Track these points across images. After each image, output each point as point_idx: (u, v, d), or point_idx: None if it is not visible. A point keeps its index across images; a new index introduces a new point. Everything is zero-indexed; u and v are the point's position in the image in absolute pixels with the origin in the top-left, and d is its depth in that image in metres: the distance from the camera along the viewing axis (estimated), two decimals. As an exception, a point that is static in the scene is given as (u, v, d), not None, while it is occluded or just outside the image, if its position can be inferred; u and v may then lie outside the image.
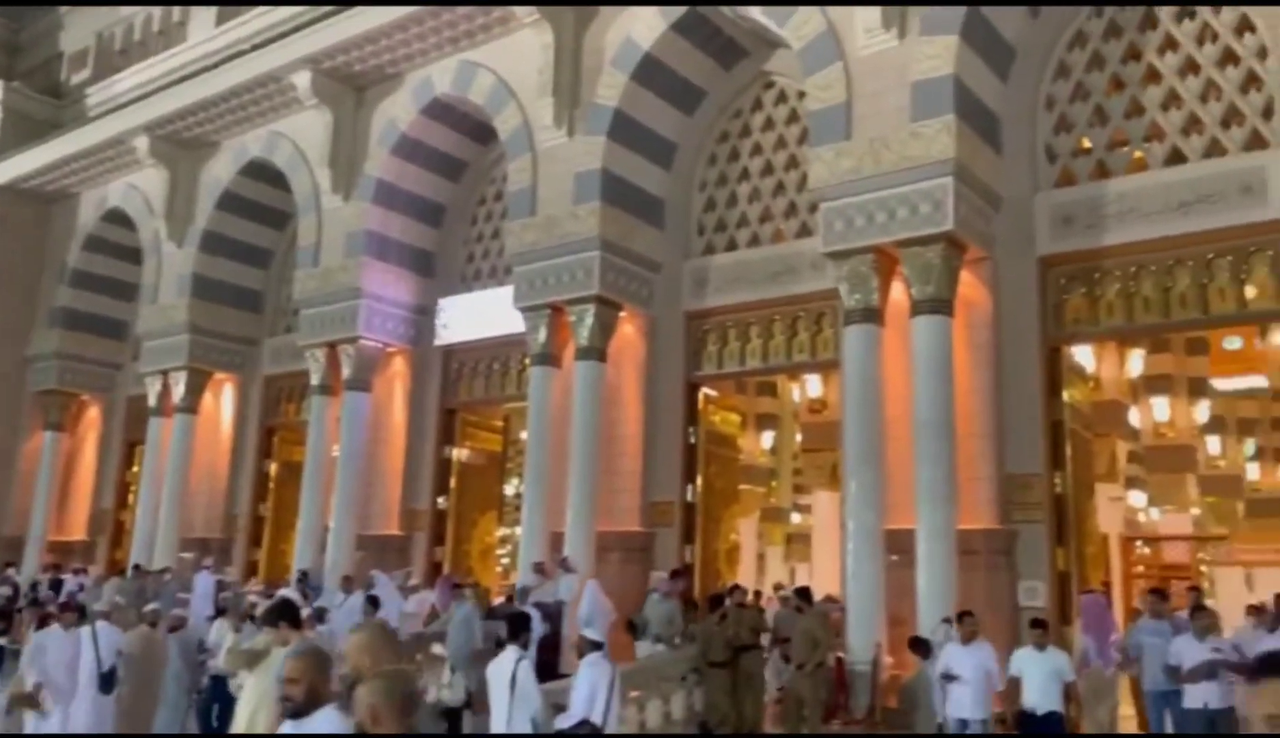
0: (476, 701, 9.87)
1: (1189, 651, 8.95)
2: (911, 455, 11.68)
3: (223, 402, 21.85)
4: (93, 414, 24.63)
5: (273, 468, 21.56)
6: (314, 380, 18.76)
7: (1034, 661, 8.95)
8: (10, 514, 23.84)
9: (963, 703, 9.03)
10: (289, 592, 13.08)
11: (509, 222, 16.18)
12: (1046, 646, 9.00)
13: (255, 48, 19.20)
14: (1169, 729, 9.19)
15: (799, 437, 21.42)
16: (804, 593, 11.22)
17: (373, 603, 12.14)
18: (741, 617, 10.97)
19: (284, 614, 6.29)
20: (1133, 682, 11.15)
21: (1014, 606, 11.56)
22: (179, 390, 20.84)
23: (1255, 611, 10.71)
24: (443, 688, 10.80)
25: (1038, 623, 9.39)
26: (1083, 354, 14.72)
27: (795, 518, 24.49)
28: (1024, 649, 9.20)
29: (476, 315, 18.06)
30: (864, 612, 11.66)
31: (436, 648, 12.21)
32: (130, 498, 23.24)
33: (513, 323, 16.28)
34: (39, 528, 23.08)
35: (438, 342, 18.64)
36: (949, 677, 9.09)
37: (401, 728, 3.26)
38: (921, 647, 9.94)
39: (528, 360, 16.19)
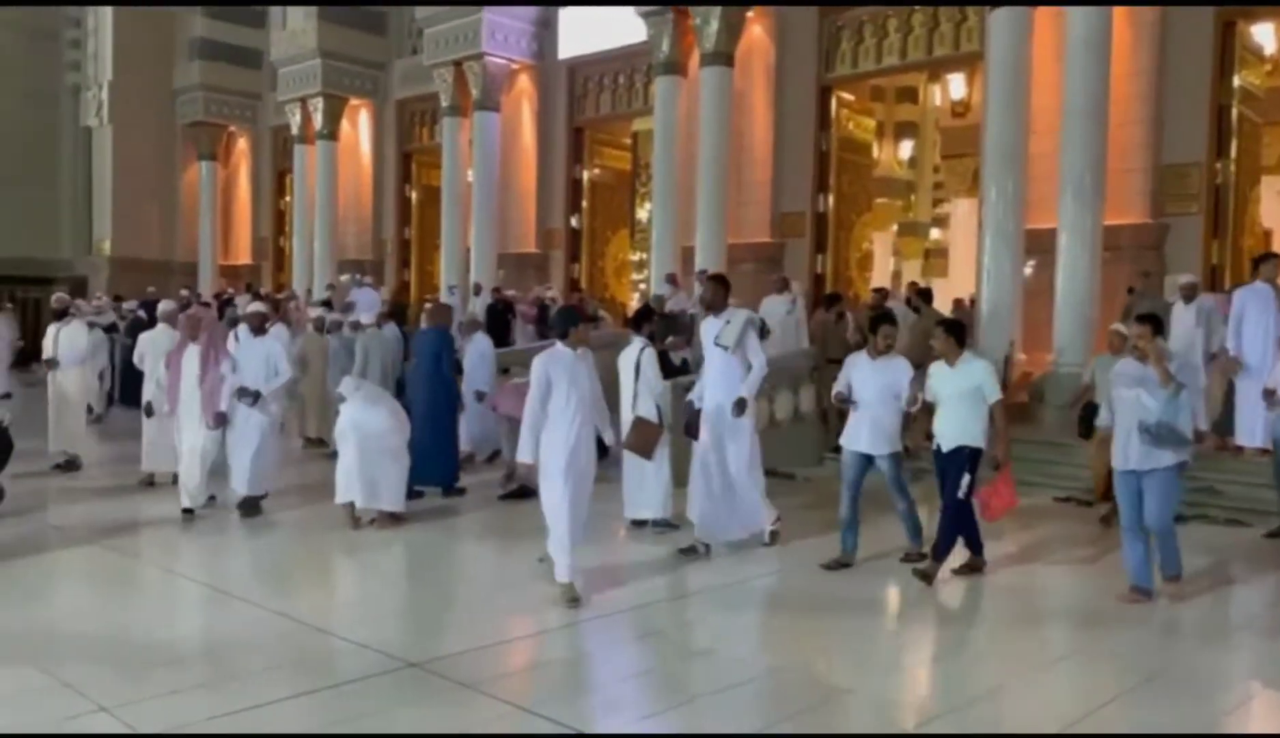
0: None
1: None
2: (1057, 150, 11.09)
3: (360, 128, 22.36)
4: (242, 145, 25.68)
5: (413, 194, 22.24)
6: (444, 102, 18.91)
7: (942, 379, 6.45)
8: (181, 242, 25.72)
9: (859, 435, 6.74)
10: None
11: (629, -84, 15.30)
12: (957, 358, 6.41)
13: None
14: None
15: (939, 148, 20.46)
16: (924, 294, 11.13)
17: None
18: (861, 318, 11.05)
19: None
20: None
21: (1161, 302, 11.18)
22: (318, 118, 21.41)
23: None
24: None
25: (944, 319, 6.96)
26: (1262, 32, 13.23)
27: (934, 234, 23.88)
28: (934, 363, 6.62)
29: (598, 25, 17.50)
30: (998, 311, 11.57)
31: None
32: (286, 225, 24.56)
33: (636, 31, 15.77)
34: (208, 254, 24.98)
35: (561, 56, 18.28)
36: (844, 399, 6.82)
37: None
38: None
39: (652, 71, 15.78)
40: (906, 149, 21.04)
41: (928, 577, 6.29)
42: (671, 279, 14.77)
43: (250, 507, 8.06)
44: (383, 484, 7.70)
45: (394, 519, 7.79)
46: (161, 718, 4.15)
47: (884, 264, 19.74)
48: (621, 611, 5.78)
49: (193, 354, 8.03)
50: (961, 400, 6.30)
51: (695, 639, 5.42)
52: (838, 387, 6.88)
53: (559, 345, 6.00)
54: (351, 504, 7.69)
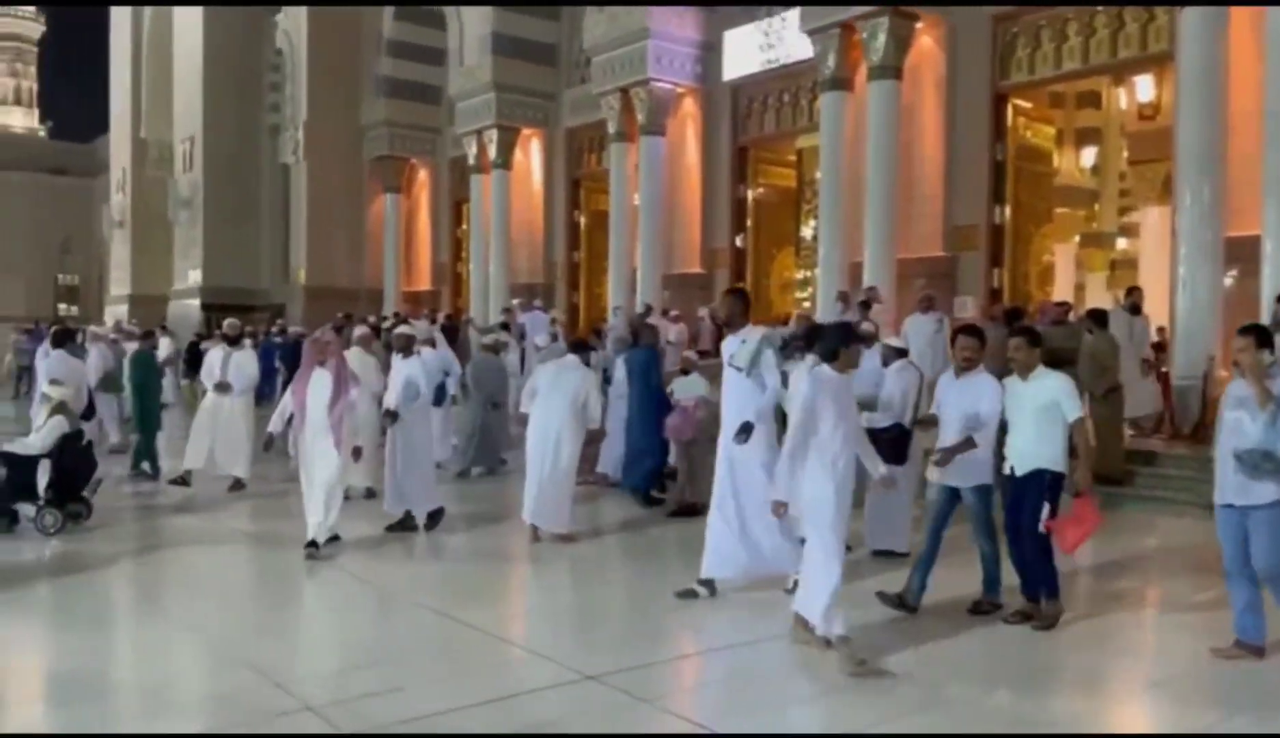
0: None
1: None
2: (1259, 152, 10.33)
3: (531, 157, 23.19)
4: (422, 177, 27.12)
5: (582, 219, 22.88)
6: (611, 128, 19.35)
7: (1015, 394, 5.83)
8: (368, 270, 27.33)
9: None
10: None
11: (793, -63, 15.31)
12: (1031, 371, 5.79)
13: None
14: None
15: (1125, 154, 19.41)
16: (1097, 315, 10.52)
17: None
18: (1053, 333, 10.55)
19: None
20: None
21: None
22: (492, 149, 22.34)
23: None
24: None
25: (1018, 327, 6.18)
26: None
27: (1121, 244, 22.60)
28: (1009, 378, 5.96)
29: (763, 45, 17.54)
30: (1194, 325, 10.88)
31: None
32: (463, 252, 25.67)
33: (801, 49, 15.72)
34: (392, 281, 26.44)
35: (725, 78, 18.41)
36: (927, 421, 6.32)
37: None
38: None
39: (818, 87, 15.68)
40: (1089, 156, 20.05)
41: (1048, 623, 5.73)
42: (843, 297, 14.58)
43: (433, 519, 8.46)
44: (557, 507, 8.03)
45: (566, 537, 8.03)
46: (361, 719, 4.42)
47: (1066, 277, 18.86)
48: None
49: (319, 380, 7.50)
50: (1035, 418, 5.69)
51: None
52: (933, 408, 6.26)
53: (825, 368, 5.31)
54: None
